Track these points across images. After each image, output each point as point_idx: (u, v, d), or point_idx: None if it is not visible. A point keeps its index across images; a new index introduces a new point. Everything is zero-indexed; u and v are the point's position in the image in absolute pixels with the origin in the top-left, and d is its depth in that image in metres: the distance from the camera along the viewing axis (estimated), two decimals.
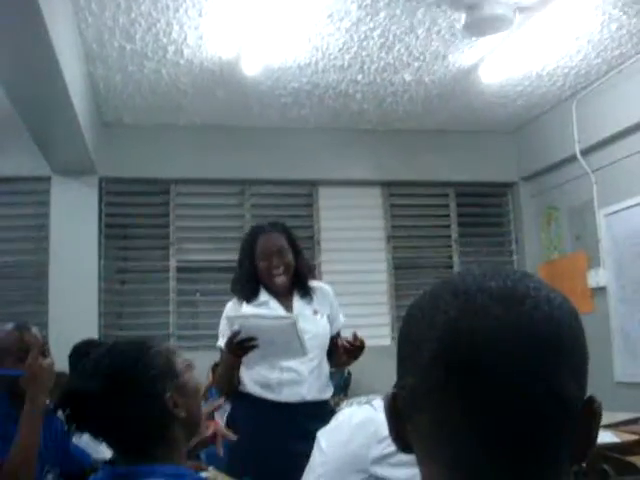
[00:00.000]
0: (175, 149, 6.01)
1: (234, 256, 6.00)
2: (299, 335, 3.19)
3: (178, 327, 6.12)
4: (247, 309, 3.41)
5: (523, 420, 0.74)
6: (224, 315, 3.52)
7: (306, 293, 3.53)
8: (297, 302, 3.50)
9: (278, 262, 3.43)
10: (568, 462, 0.78)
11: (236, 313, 3.39)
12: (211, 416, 2.80)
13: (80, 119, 4.62)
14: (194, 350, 5.22)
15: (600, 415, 0.77)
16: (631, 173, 5.29)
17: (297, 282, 3.52)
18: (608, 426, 3.93)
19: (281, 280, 3.44)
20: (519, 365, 0.73)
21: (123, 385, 1.61)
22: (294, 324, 3.18)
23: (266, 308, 3.44)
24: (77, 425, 1.61)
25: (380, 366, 3.88)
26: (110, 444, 1.65)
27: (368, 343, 3.34)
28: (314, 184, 6.43)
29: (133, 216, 6.19)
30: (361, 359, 3.59)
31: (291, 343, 3.21)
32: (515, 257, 6.72)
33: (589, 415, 0.77)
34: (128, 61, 4.81)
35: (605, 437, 3.60)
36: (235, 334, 3.19)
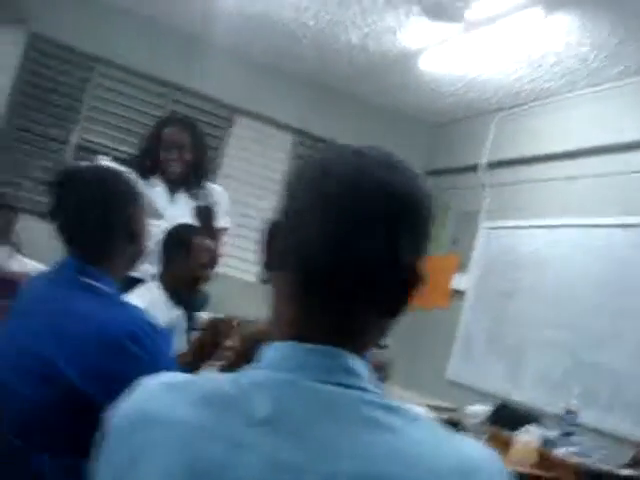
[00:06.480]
0: (113, 30, 5.93)
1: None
2: None
3: None
4: None
5: (352, 262, 0.87)
6: None
7: (197, 189, 3.73)
8: (182, 196, 3.70)
9: (176, 155, 3.66)
10: (380, 314, 0.91)
11: None
12: None
13: None
14: None
15: (421, 282, 0.91)
16: (520, 198, 5.62)
17: (194, 176, 3.72)
18: (429, 406, 4.32)
19: (174, 169, 3.68)
20: (370, 215, 0.88)
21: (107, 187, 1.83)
22: None
23: (154, 192, 3.61)
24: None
25: (243, 299, 4.22)
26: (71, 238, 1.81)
27: (234, 274, 3.53)
28: (235, 111, 6.50)
29: (52, 81, 6.08)
30: (225, 288, 3.79)
31: None
32: None
33: (413, 280, 0.91)
34: None
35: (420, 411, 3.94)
36: None
